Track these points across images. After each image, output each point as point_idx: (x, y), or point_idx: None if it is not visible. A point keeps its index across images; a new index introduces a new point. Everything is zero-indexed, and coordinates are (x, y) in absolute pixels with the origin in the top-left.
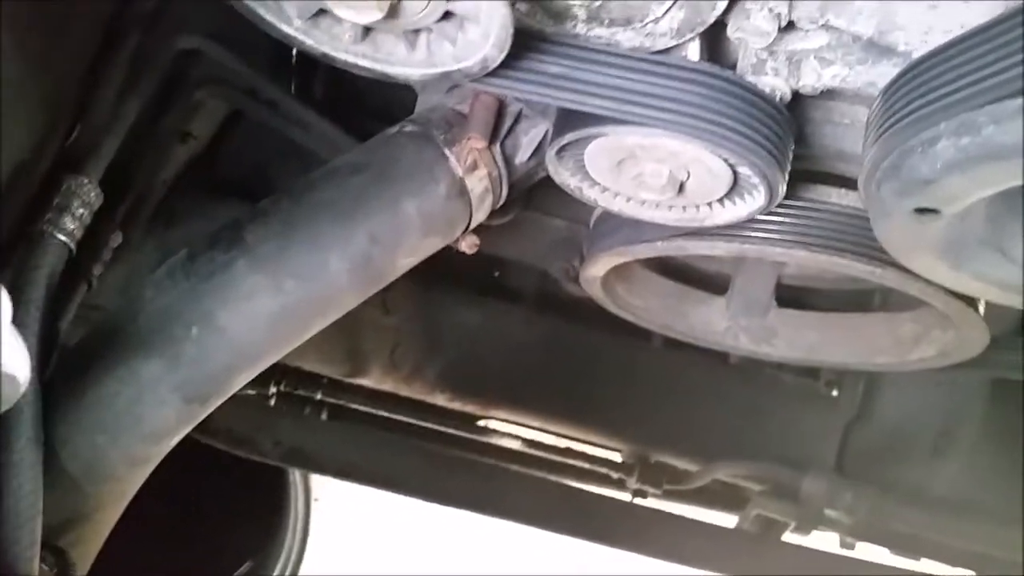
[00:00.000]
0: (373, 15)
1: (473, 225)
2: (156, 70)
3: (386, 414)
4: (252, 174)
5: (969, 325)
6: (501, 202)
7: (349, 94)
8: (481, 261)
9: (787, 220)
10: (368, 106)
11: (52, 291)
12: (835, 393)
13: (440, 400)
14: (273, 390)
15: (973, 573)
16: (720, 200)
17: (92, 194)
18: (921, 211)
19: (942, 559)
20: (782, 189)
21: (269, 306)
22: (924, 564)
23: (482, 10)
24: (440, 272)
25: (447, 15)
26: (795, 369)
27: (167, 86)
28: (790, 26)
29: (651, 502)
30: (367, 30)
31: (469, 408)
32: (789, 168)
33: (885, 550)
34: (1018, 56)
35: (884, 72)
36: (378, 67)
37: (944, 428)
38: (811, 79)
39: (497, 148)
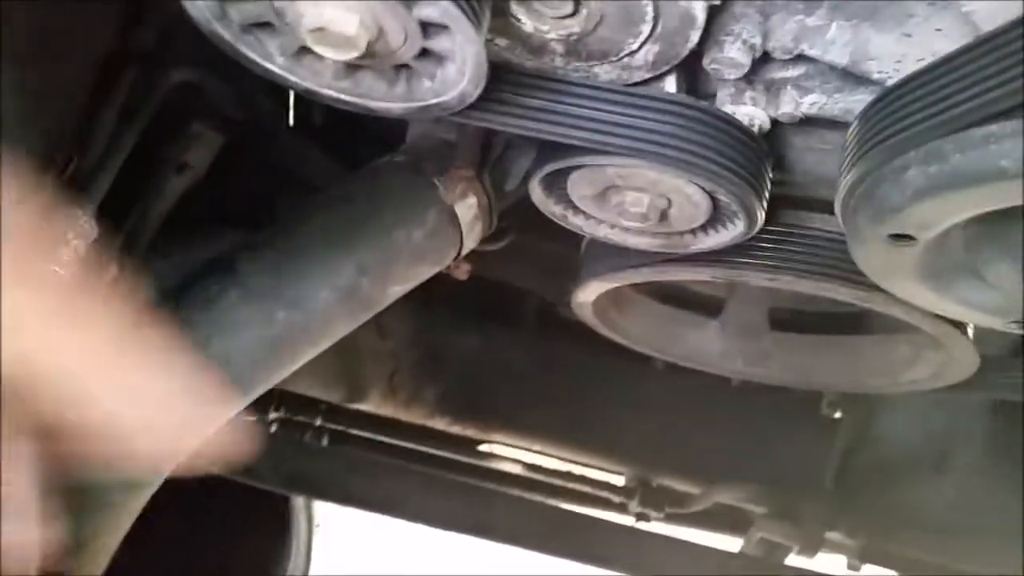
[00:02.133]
0: (351, 53)
1: (464, 252)
2: (152, 103)
3: (386, 439)
4: (249, 204)
5: (958, 348)
6: (492, 229)
7: (348, 121)
8: (479, 285)
9: (771, 246)
10: (367, 133)
11: None
12: (838, 415)
13: (440, 424)
14: (273, 416)
15: None
16: (703, 227)
17: (87, 226)
18: (896, 237)
19: None
20: (761, 216)
21: (261, 336)
22: None
23: (457, 48)
24: (438, 296)
25: (425, 52)
26: (797, 391)
27: (163, 118)
28: (766, 56)
29: (654, 526)
30: (349, 67)
31: (469, 432)
32: (767, 195)
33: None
34: (983, 84)
35: (861, 99)
36: (360, 102)
37: (945, 448)
38: (789, 107)
39: (486, 176)
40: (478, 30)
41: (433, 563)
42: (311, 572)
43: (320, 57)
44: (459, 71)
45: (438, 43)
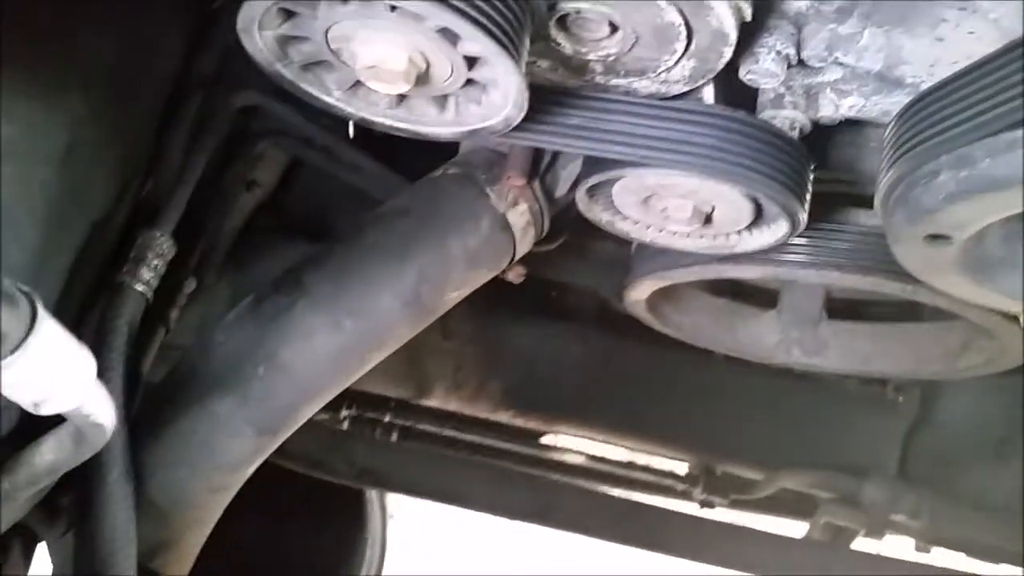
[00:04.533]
0: (401, 87)
1: (518, 257)
2: (219, 126)
3: (452, 433)
4: (316, 215)
5: (1008, 335)
6: (544, 233)
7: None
8: (538, 283)
9: (818, 242)
10: (424, 143)
11: (133, 337)
12: (900, 399)
13: (504, 417)
14: (345, 414)
15: None
16: (748, 228)
17: (165, 246)
18: (933, 237)
19: (1019, 564)
20: (803, 217)
21: (328, 344)
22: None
23: (500, 76)
24: (498, 295)
25: (471, 81)
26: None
27: (231, 140)
28: (802, 63)
29: (718, 512)
30: (401, 97)
31: (532, 424)
32: (808, 197)
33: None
34: (1013, 90)
35: (899, 101)
36: (412, 127)
37: (1007, 432)
38: (829, 110)
39: (537, 184)
40: (518, 62)
41: (504, 548)
42: (386, 560)
43: (374, 89)
44: (503, 97)
45: (482, 73)
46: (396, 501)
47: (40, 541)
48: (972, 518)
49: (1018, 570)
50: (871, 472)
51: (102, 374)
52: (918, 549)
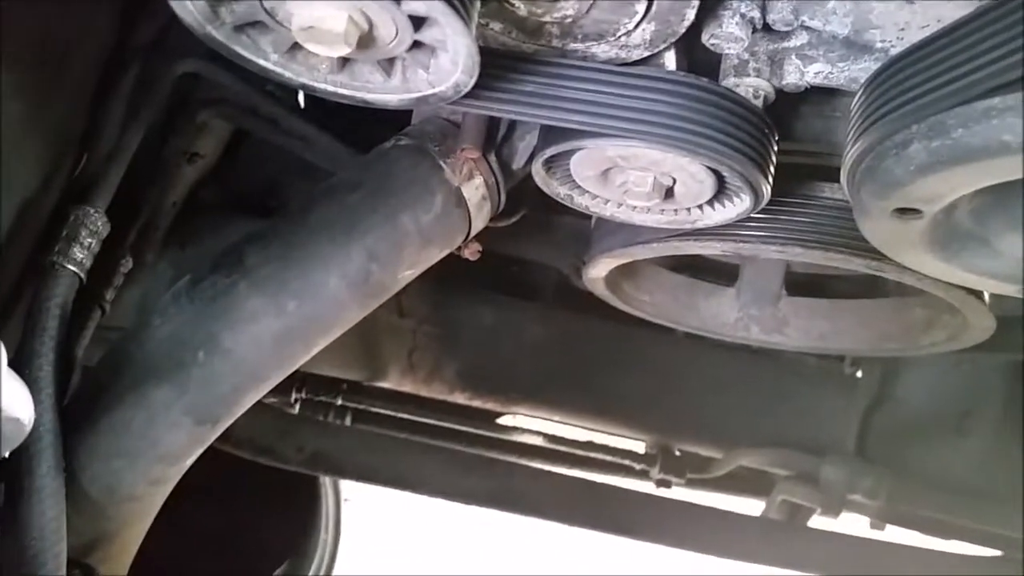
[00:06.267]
0: (341, 49)
1: (474, 233)
2: (158, 96)
3: (408, 416)
4: (262, 188)
5: (974, 312)
6: (500, 208)
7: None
8: (497, 259)
9: (781, 218)
10: (377, 112)
11: (66, 320)
12: (859, 374)
13: (460, 399)
14: (295, 396)
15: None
16: (709, 203)
17: (99, 223)
18: (902, 211)
19: (971, 540)
20: (766, 190)
21: (272, 327)
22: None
23: (449, 38)
24: (456, 271)
25: (418, 44)
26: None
27: (171, 110)
28: (767, 26)
29: (676, 492)
30: (344, 60)
31: (489, 405)
32: (772, 170)
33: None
34: (987, 56)
35: (867, 67)
36: (357, 95)
37: (966, 408)
38: (794, 77)
39: (492, 156)
40: (468, 23)
41: (464, 529)
42: (340, 544)
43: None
44: (452, 61)
45: (429, 35)
46: (351, 485)
47: None
48: (929, 497)
49: (966, 546)
50: (829, 449)
51: (32, 360)
52: (873, 527)
